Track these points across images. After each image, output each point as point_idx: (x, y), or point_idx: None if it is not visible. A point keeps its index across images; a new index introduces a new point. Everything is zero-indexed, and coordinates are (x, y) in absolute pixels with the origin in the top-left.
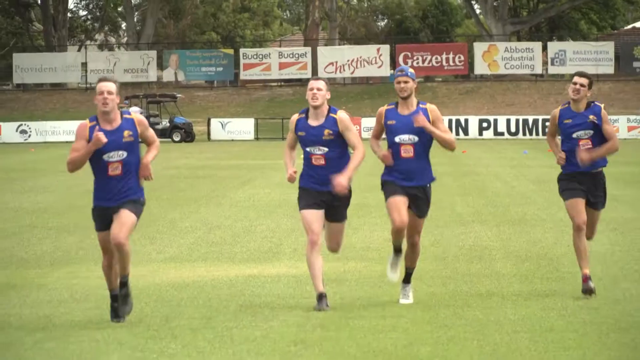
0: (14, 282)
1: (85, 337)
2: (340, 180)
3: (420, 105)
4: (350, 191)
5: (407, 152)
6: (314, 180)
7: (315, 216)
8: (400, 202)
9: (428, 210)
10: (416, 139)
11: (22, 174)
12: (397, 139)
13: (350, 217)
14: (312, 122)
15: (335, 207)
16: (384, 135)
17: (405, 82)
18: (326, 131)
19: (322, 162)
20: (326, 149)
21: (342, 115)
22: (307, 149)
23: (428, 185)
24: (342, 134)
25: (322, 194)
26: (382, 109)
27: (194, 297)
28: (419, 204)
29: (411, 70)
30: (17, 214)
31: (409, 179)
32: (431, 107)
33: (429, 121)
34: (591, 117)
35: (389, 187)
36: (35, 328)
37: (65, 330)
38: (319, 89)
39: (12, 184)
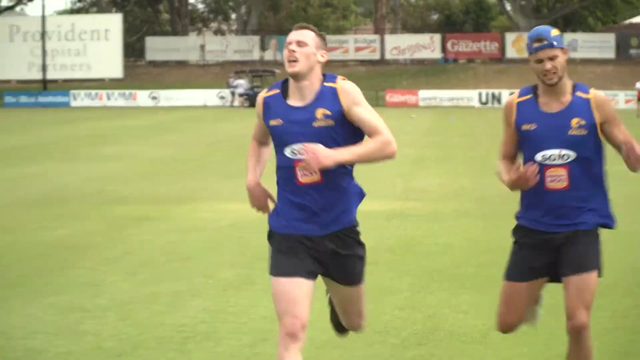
0: (147, 215)
1: (207, 259)
2: (317, 151)
3: (580, 94)
4: (357, 239)
5: (556, 180)
6: (297, 216)
7: (299, 291)
8: (524, 292)
9: (598, 262)
10: (572, 155)
11: (153, 131)
12: (539, 156)
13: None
14: (294, 102)
15: (342, 261)
16: None
17: (552, 57)
18: (320, 112)
19: (316, 175)
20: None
21: (344, 83)
22: (286, 152)
23: (594, 228)
24: (348, 115)
25: (314, 242)
26: (512, 99)
27: None
28: (577, 250)
29: (555, 32)
30: (151, 161)
31: (559, 217)
32: (597, 96)
33: (593, 119)
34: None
35: (519, 252)
36: (163, 252)
37: (188, 254)
38: (300, 43)
39: (145, 139)
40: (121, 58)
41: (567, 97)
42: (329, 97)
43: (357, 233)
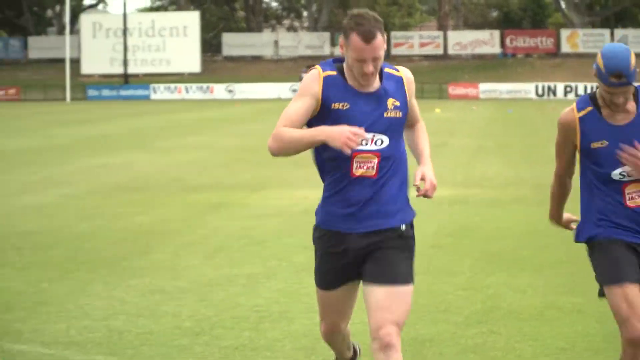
0: (223, 201)
1: (280, 243)
2: (430, 176)
3: None
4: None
5: (638, 197)
6: (349, 215)
7: (345, 299)
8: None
9: None
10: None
11: (229, 122)
12: (615, 174)
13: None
14: (359, 86)
15: (385, 254)
16: None
17: (626, 92)
18: (390, 101)
19: (373, 170)
20: (386, 140)
21: (407, 72)
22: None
23: None
24: (409, 106)
25: (361, 239)
26: (572, 115)
27: None
28: None
29: (633, 60)
30: (227, 150)
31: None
32: None
33: None
34: None
35: (608, 255)
36: (239, 237)
37: (263, 239)
38: (375, 60)
39: (222, 130)
40: (199, 53)
41: (631, 106)
42: (395, 85)
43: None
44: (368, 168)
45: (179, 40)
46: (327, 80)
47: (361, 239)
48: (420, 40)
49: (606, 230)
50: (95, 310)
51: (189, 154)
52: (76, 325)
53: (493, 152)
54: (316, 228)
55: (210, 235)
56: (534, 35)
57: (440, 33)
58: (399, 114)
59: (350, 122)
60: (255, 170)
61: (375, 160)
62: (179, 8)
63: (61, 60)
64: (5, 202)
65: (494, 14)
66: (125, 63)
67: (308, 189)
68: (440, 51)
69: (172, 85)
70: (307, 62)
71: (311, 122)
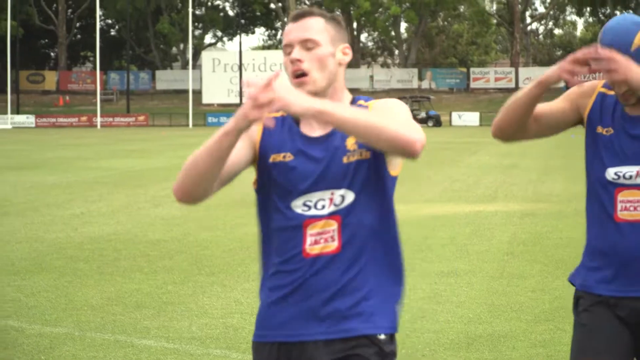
0: None
1: None
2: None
3: None
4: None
5: (633, 209)
6: (298, 310)
7: None
8: None
9: None
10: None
11: None
12: (612, 173)
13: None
14: (310, 129)
15: None
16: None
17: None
18: (351, 140)
19: (334, 242)
20: (349, 196)
21: (381, 100)
22: (295, 205)
23: None
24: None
25: (322, 350)
26: (595, 83)
27: (443, 224)
28: None
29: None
30: None
31: (630, 281)
32: None
33: None
34: None
35: (586, 316)
36: None
37: None
38: (305, 44)
39: None
40: None
41: None
42: None
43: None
44: (326, 241)
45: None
46: (266, 129)
47: (323, 350)
48: (495, 75)
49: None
50: (214, 309)
51: None
52: (197, 323)
53: (558, 171)
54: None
55: None
56: (592, 71)
57: (512, 69)
58: (365, 155)
59: (293, 178)
60: None
61: (334, 227)
62: None
63: (185, 91)
64: (137, 214)
65: (559, 52)
66: (240, 94)
67: (399, 204)
68: (512, 85)
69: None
70: (398, 94)
71: (258, 180)
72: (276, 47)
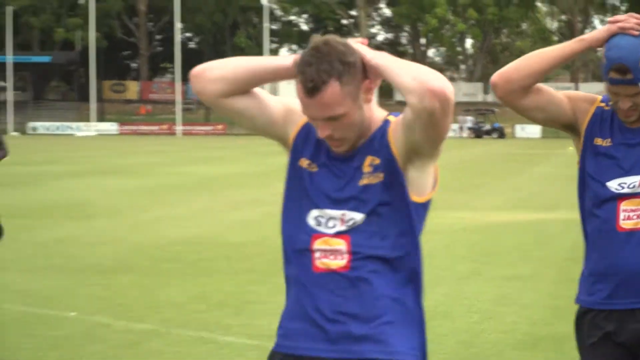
0: None
1: (444, 255)
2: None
3: None
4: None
5: (634, 217)
6: (312, 328)
7: None
8: None
9: None
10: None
11: None
12: (616, 184)
13: None
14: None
15: None
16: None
17: (634, 95)
18: (367, 160)
19: (343, 260)
20: (358, 218)
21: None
22: (309, 219)
23: None
24: (401, 153)
25: None
26: (594, 97)
27: (508, 231)
28: None
29: None
30: None
31: (627, 291)
32: None
33: None
34: None
35: (586, 336)
36: None
37: (430, 252)
38: (330, 120)
39: None
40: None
41: None
42: (378, 138)
43: None
44: (335, 258)
45: None
46: (306, 128)
47: None
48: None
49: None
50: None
51: None
52: (277, 321)
53: None
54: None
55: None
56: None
57: (573, 84)
58: (378, 178)
59: (313, 192)
60: None
61: (343, 248)
62: None
63: None
64: (218, 217)
65: None
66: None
67: (466, 211)
68: None
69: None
70: (464, 107)
71: (287, 179)
72: None
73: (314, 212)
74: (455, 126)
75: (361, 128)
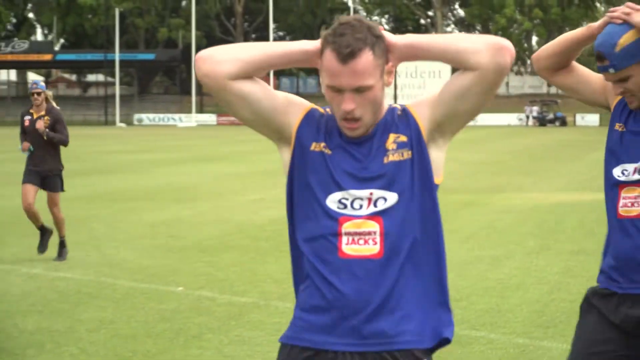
0: (472, 201)
1: (515, 232)
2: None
3: None
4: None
5: (631, 205)
6: (335, 322)
7: None
8: None
9: None
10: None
11: (471, 142)
12: (617, 172)
13: None
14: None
15: None
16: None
17: (621, 79)
18: (391, 138)
19: (376, 246)
20: (392, 198)
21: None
22: (329, 202)
23: None
24: (429, 136)
25: None
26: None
27: (572, 210)
28: None
29: (625, 40)
30: (471, 163)
31: (632, 276)
32: None
33: None
34: None
35: (585, 319)
36: (484, 227)
37: (503, 229)
38: (359, 90)
39: (465, 148)
40: None
41: None
42: (398, 117)
43: None
44: (366, 242)
45: (434, 81)
46: (308, 117)
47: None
48: None
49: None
50: None
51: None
52: None
53: None
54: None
55: (463, 226)
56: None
57: None
58: (407, 154)
59: (334, 174)
60: (494, 178)
61: (377, 230)
62: None
63: None
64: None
65: None
66: (395, 97)
67: (536, 192)
68: None
69: None
70: (530, 97)
71: (291, 171)
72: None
73: (337, 195)
74: (522, 116)
75: (378, 110)
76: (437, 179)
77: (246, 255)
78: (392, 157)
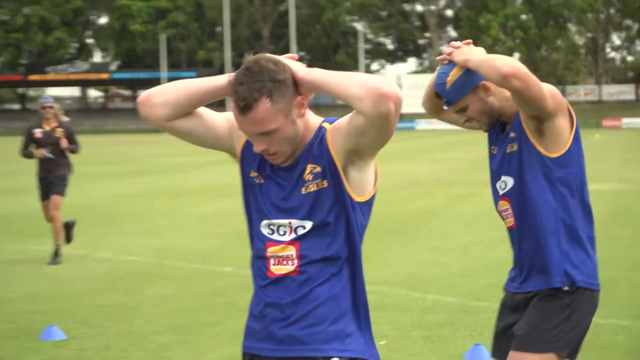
0: (469, 193)
1: None
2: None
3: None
4: None
5: (507, 216)
6: (264, 328)
7: None
8: None
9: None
10: (510, 182)
11: (467, 144)
12: (497, 187)
13: None
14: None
15: None
16: None
17: (462, 109)
18: (308, 169)
19: (292, 265)
20: (308, 226)
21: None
22: (262, 227)
23: (563, 287)
24: (342, 162)
25: None
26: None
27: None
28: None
29: (453, 76)
30: (466, 162)
31: (520, 277)
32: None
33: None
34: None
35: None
36: (481, 214)
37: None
38: (264, 136)
39: (465, 148)
40: None
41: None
42: (317, 144)
43: None
44: (287, 263)
45: None
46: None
47: None
48: (584, 91)
49: None
50: (398, 261)
51: (441, 164)
52: (386, 271)
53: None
54: None
55: (464, 213)
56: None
57: (597, 87)
58: (321, 184)
59: (262, 203)
60: (487, 174)
61: (293, 253)
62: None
63: None
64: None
65: (631, 74)
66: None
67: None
68: (597, 98)
69: (431, 120)
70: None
71: (243, 191)
72: (423, 72)
73: (265, 222)
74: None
75: (295, 141)
76: (362, 197)
77: None
78: (310, 187)
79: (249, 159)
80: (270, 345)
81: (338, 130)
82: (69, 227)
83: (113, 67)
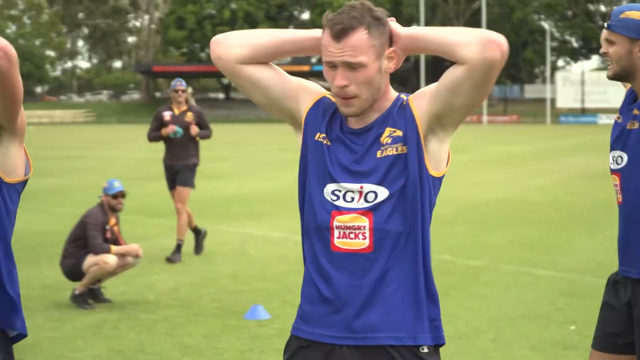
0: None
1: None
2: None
3: None
4: None
5: (617, 192)
6: (329, 314)
7: None
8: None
9: None
10: (625, 159)
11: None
12: (611, 158)
13: None
14: (354, 123)
15: None
16: None
17: (609, 41)
18: (386, 132)
19: (365, 240)
20: (382, 193)
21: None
22: (326, 192)
23: None
24: (428, 129)
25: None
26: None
27: None
28: None
29: (630, 14)
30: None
31: (627, 259)
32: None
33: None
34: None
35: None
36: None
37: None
38: (351, 67)
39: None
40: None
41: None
42: (396, 110)
43: None
44: (356, 237)
45: (615, 89)
46: (318, 105)
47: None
48: None
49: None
50: (585, 250)
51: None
52: (575, 259)
53: None
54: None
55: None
56: None
57: None
58: (401, 149)
59: (330, 166)
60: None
61: (366, 225)
62: None
63: (544, 99)
64: (518, 183)
65: None
66: (582, 101)
67: None
68: None
69: (612, 115)
70: None
71: (301, 158)
72: (605, 69)
73: (332, 186)
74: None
75: (376, 94)
76: (437, 171)
77: (475, 226)
78: (387, 151)
79: (315, 122)
80: (338, 332)
81: (424, 95)
82: (197, 233)
83: (314, 59)
